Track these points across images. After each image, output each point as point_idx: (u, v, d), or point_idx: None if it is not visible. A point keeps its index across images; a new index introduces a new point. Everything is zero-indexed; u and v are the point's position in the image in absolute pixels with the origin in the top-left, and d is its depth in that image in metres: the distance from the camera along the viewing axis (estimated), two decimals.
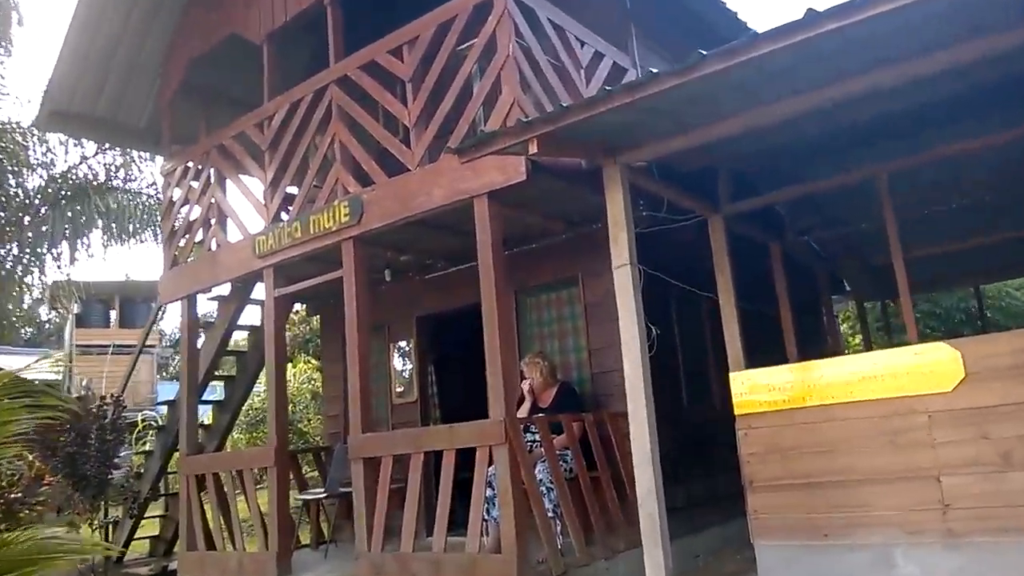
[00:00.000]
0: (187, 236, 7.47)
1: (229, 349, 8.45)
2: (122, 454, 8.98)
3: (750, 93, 4.12)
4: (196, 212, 7.38)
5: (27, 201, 13.29)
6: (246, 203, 6.91)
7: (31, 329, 28.03)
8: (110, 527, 8.76)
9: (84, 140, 13.99)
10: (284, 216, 6.67)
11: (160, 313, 8.60)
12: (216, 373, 8.33)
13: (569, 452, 5.46)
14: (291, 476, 6.73)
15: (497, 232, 5.03)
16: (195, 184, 7.35)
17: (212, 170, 7.16)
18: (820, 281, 9.37)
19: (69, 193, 12.90)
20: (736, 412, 5.12)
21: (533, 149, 3.84)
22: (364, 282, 5.80)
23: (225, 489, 6.63)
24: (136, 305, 21.42)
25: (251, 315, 8.21)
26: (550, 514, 5.32)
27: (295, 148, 6.32)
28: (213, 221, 7.15)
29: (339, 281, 7.20)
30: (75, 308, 18.70)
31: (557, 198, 5.81)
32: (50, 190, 13.05)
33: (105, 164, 13.29)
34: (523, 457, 4.78)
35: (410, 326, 7.70)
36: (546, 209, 6.07)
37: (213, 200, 7.15)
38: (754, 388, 5.14)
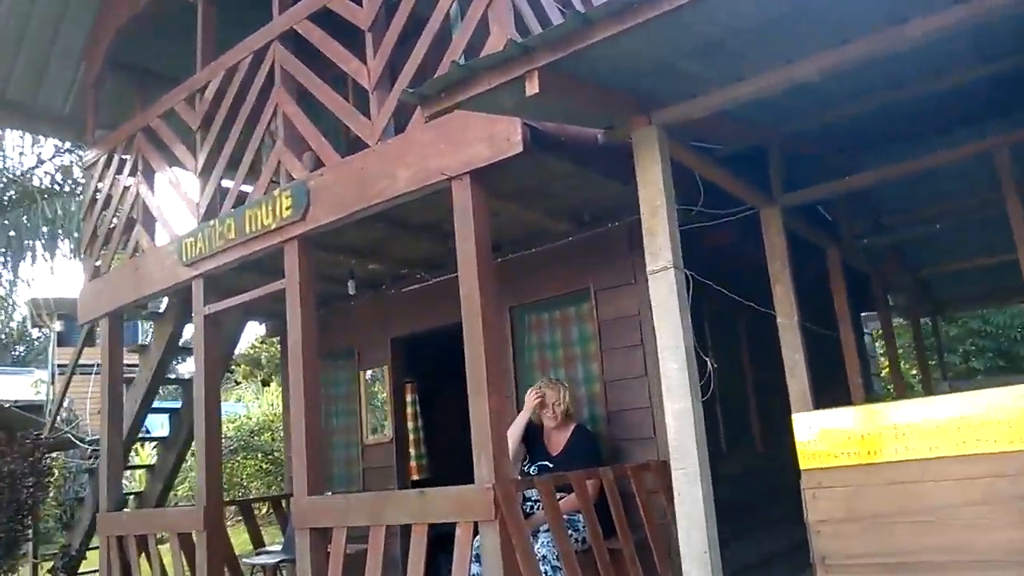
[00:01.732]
0: (108, 241, 6.13)
1: (171, 377, 7.09)
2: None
3: (836, 25, 2.84)
4: (121, 211, 6.04)
5: None
6: (178, 199, 5.58)
7: (22, 348, 26.84)
8: None
9: (42, 141, 12.78)
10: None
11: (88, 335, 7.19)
12: (156, 406, 6.96)
13: (580, 517, 4.11)
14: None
15: (482, 227, 3.70)
16: (120, 178, 6.02)
17: (139, 159, 5.84)
18: (855, 295, 8.05)
19: (14, 197, 11.62)
20: (802, 465, 3.79)
21: (532, 89, 2.52)
22: (310, 295, 4.47)
23: (147, 556, 5.26)
24: (124, 322, 20.13)
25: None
26: None
27: (231, 126, 5.00)
28: (138, 221, 5.81)
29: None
30: (57, 326, 17.96)
31: (563, 186, 4.50)
32: None
33: (59, 167, 12.07)
34: (519, 537, 3.42)
35: (384, 349, 6.35)
36: (549, 202, 4.76)
37: (138, 194, 5.82)
38: (827, 435, 3.81)
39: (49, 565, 7.18)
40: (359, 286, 6.16)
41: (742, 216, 4.82)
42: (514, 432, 4.69)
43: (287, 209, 4.44)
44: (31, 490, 6.67)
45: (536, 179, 4.38)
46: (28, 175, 12.16)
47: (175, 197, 5.59)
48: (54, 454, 7.87)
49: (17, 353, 26.50)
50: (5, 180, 11.39)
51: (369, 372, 6.47)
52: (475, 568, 3.93)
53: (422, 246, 5.30)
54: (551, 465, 4.55)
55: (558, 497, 4.37)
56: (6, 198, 11.52)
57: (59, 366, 17.94)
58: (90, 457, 8.12)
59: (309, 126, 4.51)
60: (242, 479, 14.23)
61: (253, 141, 4.84)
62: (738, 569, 4.80)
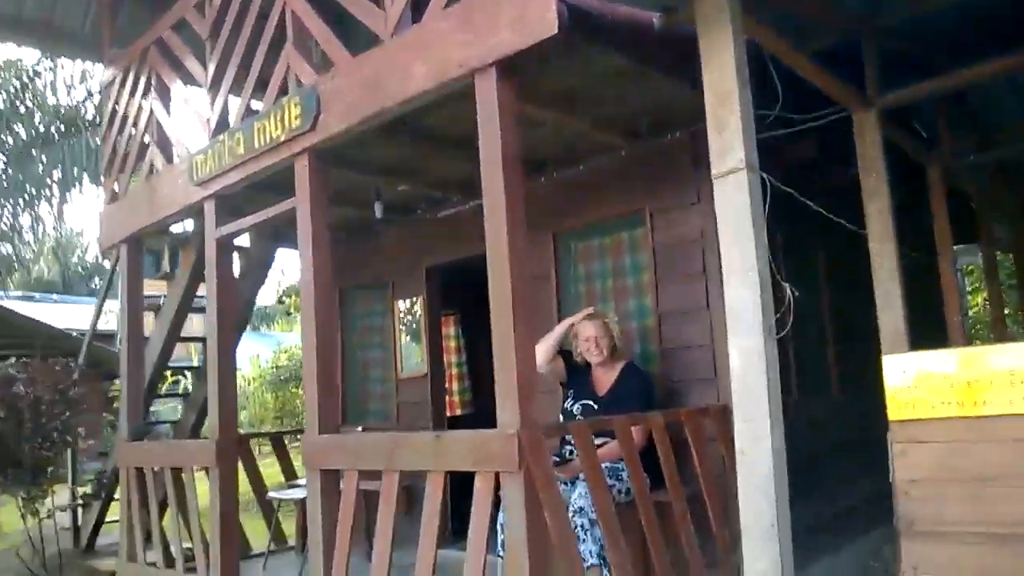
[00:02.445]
0: (125, 161, 5.72)
1: (200, 306, 6.75)
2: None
3: None
4: (136, 131, 5.60)
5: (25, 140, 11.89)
6: (191, 116, 5.10)
7: (100, 279, 27.63)
8: (78, 511, 7.33)
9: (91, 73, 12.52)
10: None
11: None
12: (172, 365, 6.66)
13: (621, 466, 3.59)
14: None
15: (510, 130, 3.09)
16: (135, 98, 5.57)
17: (153, 76, 5.36)
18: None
19: (63, 129, 11.41)
20: (892, 415, 3.18)
21: None
22: (323, 215, 3.96)
23: (167, 488, 4.98)
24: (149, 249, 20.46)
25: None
26: (592, 561, 3.47)
27: (240, 30, 4.44)
28: (152, 141, 5.37)
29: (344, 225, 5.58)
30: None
31: (614, 88, 3.85)
32: (43, 128, 11.60)
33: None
34: (548, 490, 2.90)
35: (418, 279, 5.86)
36: (597, 108, 4.10)
37: (152, 112, 5.36)
38: (924, 381, 3.17)
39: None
40: (390, 211, 5.64)
41: (824, 127, 4.10)
42: (547, 342, 4.23)
43: (296, 118, 3.90)
44: (62, 419, 6.48)
45: (580, 79, 3.73)
46: (77, 107, 11.93)
47: (189, 115, 5.11)
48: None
49: (95, 285, 27.21)
50: (49, 115, 11.16)
51: (406, 303, 6.00)
52: (504, 517, 3.47)
53: (456, 166, 4.71)
54: (596, 407, 4.02)
55: (600, 443, 3.85)
56: (54, 129, 11.33)
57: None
58: None
59: (319, 23, 3.92)
60: (295, 408, 14.23)
61: (262, 46, 4.28)
62: (804, 529, 4.22)
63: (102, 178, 6.25)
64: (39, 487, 6.33)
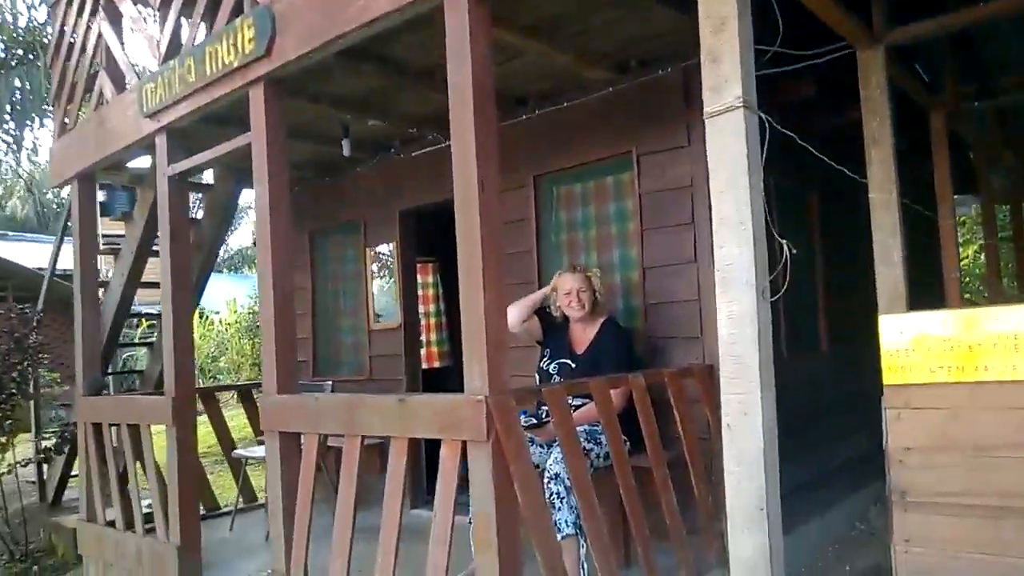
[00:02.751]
0: (75, 90, 5.29)
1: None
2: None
3: None
4: (85, 56, 5.16)
5: None
6: (141, 40, 4.67)
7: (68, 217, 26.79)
8: (43, 464, 7.09)
9: None
10: None
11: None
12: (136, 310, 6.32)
13: (600, 428, 3.37)
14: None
15: (482, 56, 2.74)
16: (83, 18, 5.12)
17: None
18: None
19: (22, 54, 10.76)
20: (887, 379, 2.95)
21: None
22: (282, 152, 3.62)
23: (123, 447, 4.73)
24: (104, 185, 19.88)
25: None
26: (567, 531, 3.27)
27: None
28: (101, 66, 4.95)
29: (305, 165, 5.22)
30: (100, 195, 17.75)
31: (600, 14, 3.50)
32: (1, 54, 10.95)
33: None
34: (519, 462, 2.66)
35: (392, 223, 5.54)
36: (583, 40, 3.76)
37: (100, 35, 4.92)
38: (922, 343, 2.94)
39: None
40: (361, 149, 5.30)
41: (821, 68, 3.77)
42: (524, 303, 4.00)
43: (249, 42, 3.52)
44: (19, 368, 6.18)
45: (564, 4, 3.38)
46: (38, 31, 11.23)
47: (140, 39, 4.68)
48: None
49: (65, 223, 26.43)
50: (8, 38, 10.48)
51: (378, 249, 5.69)
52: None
53: (431, 99, 4.36)
54: (573, 365, 3.77)
55: (578, 404, 3.62)
56: (13, 56, 10.69)
57: (104, 236, 17.80)
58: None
59: None
60: None
61: None
62: (790, 490, 4.05)
63: (50, 107, 5.83)
64: None
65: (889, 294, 3.18)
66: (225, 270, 23.93)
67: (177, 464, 4.25)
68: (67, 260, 7.60)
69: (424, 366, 6.09)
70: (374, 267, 5.70)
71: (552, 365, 3.84)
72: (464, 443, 2.71)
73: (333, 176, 5.94)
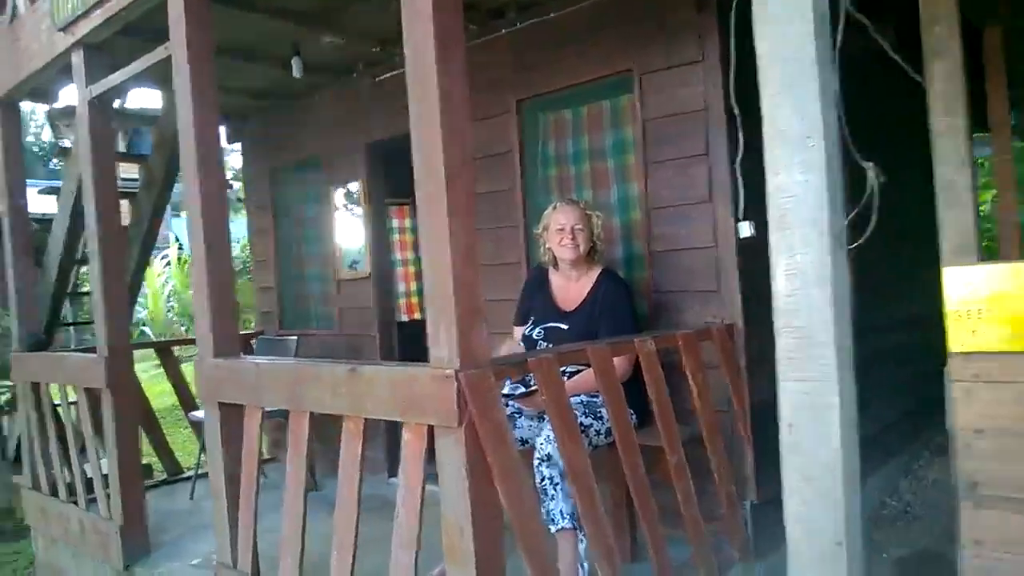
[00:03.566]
0: None
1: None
2: None
3: None
4: None
5: None
6: None
7: (60, 160, 25.64)
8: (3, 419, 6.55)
9: None
10: None
11: None
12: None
13: (600, 399, 2.82)
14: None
15: None
16: None
17: None
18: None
19: None
20: (953, 345, 2.40)
21: None
22: (206, 69, 2.96)
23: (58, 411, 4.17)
24: (142, 135, 18.97)
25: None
26: (563, 524, 2.74)
27: None
28: None
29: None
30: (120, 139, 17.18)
31: None
32: None
33: None
34: (500, 452, 2.11)
35: (357, 159, 4.89)
36: None
37: None
38: (1000, 301, 2.38)
39: None
40: (321, 73, 4.62)
41: None
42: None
43: None
44: None
45: None
46: None
47: None
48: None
49: (55, 164, 25.30)
50: None
51: (344, 188, 5.04)
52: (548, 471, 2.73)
53: (395, 12, 3.67)
54: (565, 326, 3.18)
55: (573, 371, 3.05)
56: None
57: (124, 179, 16.82)
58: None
59: None
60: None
61: None
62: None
63: None
64: None
65: (956, 241, 2.58)
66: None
67: (115, 433, 3.70)
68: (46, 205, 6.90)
69: (404, 318, 5.51)
70: (341, 208, 5.06)
71: (537, 331, 3.25)
72: (429, 428, 2.14)
73: (292, 106, 5.25)
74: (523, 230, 3.89)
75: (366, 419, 2.37)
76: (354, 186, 4.94)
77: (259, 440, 2.83)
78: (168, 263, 14.27)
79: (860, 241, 1.56)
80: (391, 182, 4.90)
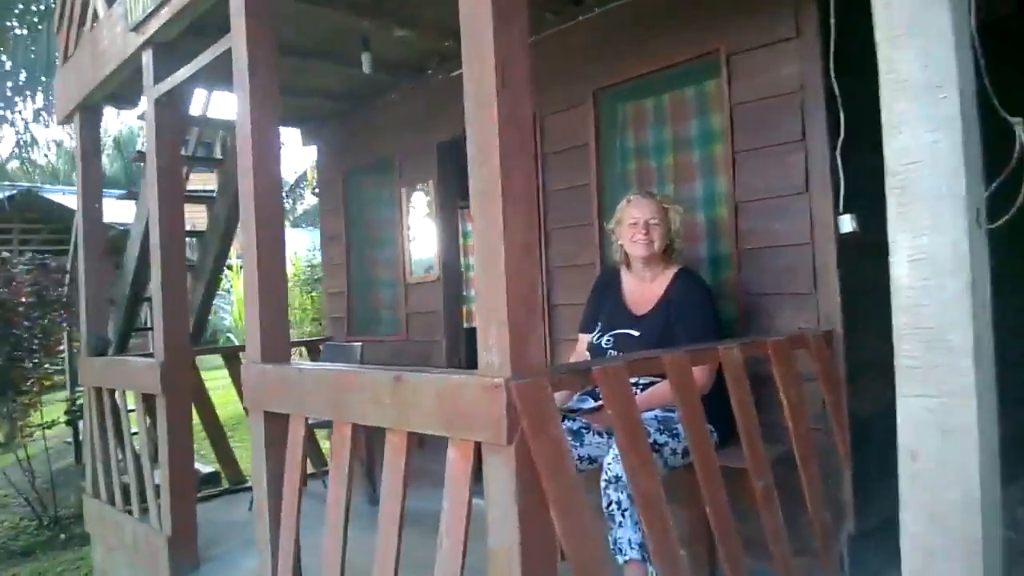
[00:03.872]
0: (74, 9, 4.61)
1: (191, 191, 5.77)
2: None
3: None
4: None
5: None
6: None
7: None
8: (79, 425, 6.70)
9: None
10: None
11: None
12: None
13: (676, 415, 2.50)
14: None
15: None
16: None
17: None
18: None
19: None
20: None
21: None
22: (268, 59, 2.81)
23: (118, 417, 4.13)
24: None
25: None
26: (631, 555, 2.43)
27: None
28: None
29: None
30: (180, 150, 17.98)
31: None
32: None
33: None
34: (556, 476, 1.83)
35: (428, 158, 4.71)
36: None
37: None
38: None
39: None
40: (395, 70, 4.48)
41: None
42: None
43: None
44: (41, 323, 5.71)
45: None
46: None
47: None
48: None
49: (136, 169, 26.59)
50: None
51: (414, 189, 4.87)
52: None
53: None
54: (636, 333, 2.87)
55: (646, 383, 2.74)
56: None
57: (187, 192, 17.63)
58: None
59: None
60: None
61: None
62: None
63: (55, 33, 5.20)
64: (11, 400, 5.63)
65: None
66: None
67: (168, 441, 3.60)
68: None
69: (470, 324, 5.32)
70: (411, 210, 4.89)
71: (606, 338, 2.93)
72: (476, 446, 1.89)
73: (368, 106, 5.13)
74: (598, 229, 3.60)
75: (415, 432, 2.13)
76: (425, 187, 4.76)
77: (303, 451, 2.63)
78: None
79: (1007, 217, 1.22)
80: (463, 184, 4.70)
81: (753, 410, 2.41)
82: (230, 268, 14.37)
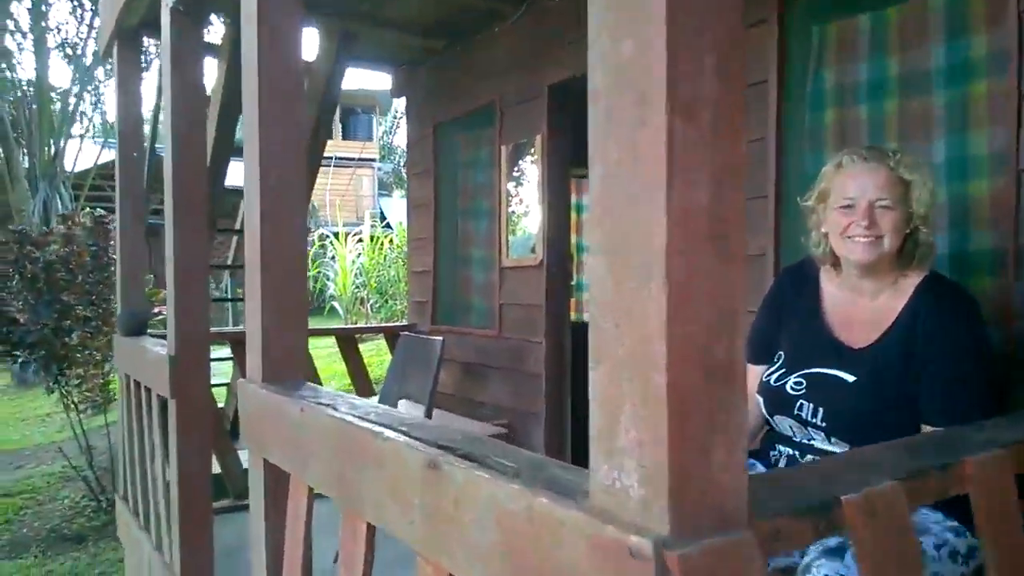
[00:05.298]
0: None
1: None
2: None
3: None
4: None
5: None
6: None
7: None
8: None
9: None
10: None
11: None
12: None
13: (935, 515, 1.38)
14: None
15: None
16: None
17: None
18: None
19: None
20: None
21: None
22: None
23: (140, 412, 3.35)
24: (358, 116, 20.75)
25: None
26: None
27: None
28: None
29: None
30: (336, 120, 18.15)
31: None
32: None
33: None
34: None
35: (537, 106, 3.67)
36: None
37: None
38: None
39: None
40: None
41: None
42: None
43: None
44: (98, 289, 5.10)
45: None
46: None
47: None
48: None
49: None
50: None
51: (516, 145, 3.84)
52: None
53: None
54: (848, 378, 1.70)
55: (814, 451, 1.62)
56: None
57: (338, 158, 17.91)
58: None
59: None
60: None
61: None
62: None
63: None
64: (60, 372, 5.03)
65: None
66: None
67: (177, 453, 2.75)
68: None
69: (584, 317, 4.26)
70: (513, 174, 3.88)
71: (793, 380, 1.78)
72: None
73: (463, 43, 4.14)
74: (773, 202, 2.47)
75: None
76: (529, 142, 3.73)
77: (307, 524, 1.68)
78: (360, 240, 14.11)
79: None
80: (579, 139, 3.64)
81: None
82: (336, 235, 13.90)
